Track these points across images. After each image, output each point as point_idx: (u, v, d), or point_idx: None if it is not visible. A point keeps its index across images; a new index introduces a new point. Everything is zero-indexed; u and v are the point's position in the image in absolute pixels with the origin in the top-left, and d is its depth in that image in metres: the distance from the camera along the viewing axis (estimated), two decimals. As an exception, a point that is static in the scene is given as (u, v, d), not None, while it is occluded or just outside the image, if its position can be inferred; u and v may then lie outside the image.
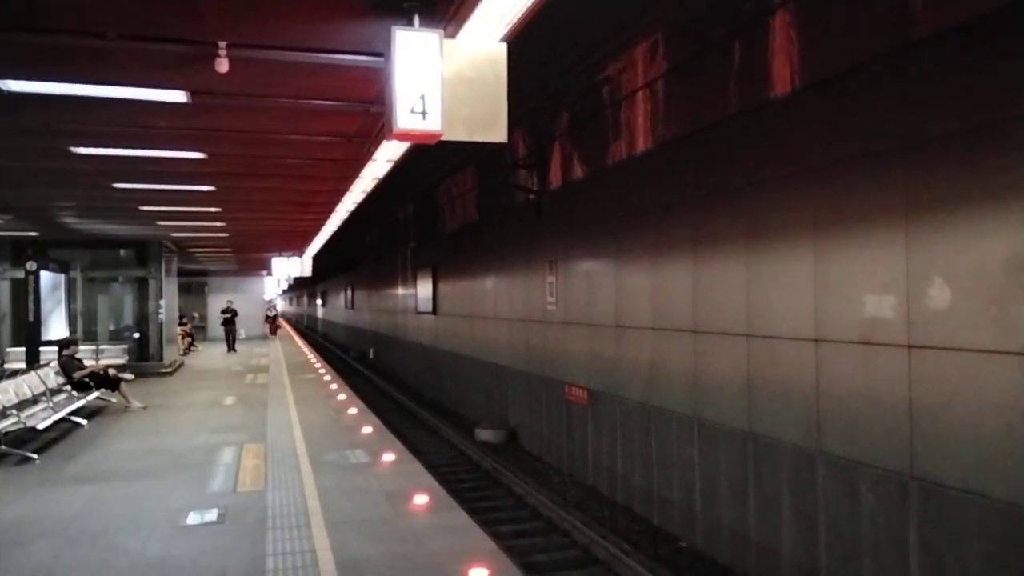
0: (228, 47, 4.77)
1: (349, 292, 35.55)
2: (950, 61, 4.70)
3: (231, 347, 26.02)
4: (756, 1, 6.50)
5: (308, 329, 56.39)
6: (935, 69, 4.80)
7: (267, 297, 41.73)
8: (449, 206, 17.45)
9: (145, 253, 19.23)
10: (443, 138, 4.11)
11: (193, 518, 6.08)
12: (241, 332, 27.56)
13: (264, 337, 34.01)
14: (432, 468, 9.23)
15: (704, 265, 7.38)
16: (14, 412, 9.08)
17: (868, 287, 5.36)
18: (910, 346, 5.01)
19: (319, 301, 52.27)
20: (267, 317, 37.43)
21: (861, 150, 5.41)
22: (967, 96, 4.59)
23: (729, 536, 7.01)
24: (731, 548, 6.99)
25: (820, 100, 5.83)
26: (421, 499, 6.40)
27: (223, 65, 4.84)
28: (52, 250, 17.88)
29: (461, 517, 6.03)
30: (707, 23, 7.21)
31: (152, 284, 19.19)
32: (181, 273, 25.00)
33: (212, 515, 6.14)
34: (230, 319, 26.80)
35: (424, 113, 3.94)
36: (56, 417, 9.77)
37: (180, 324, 24.19)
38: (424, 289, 19.34)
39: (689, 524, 7.66)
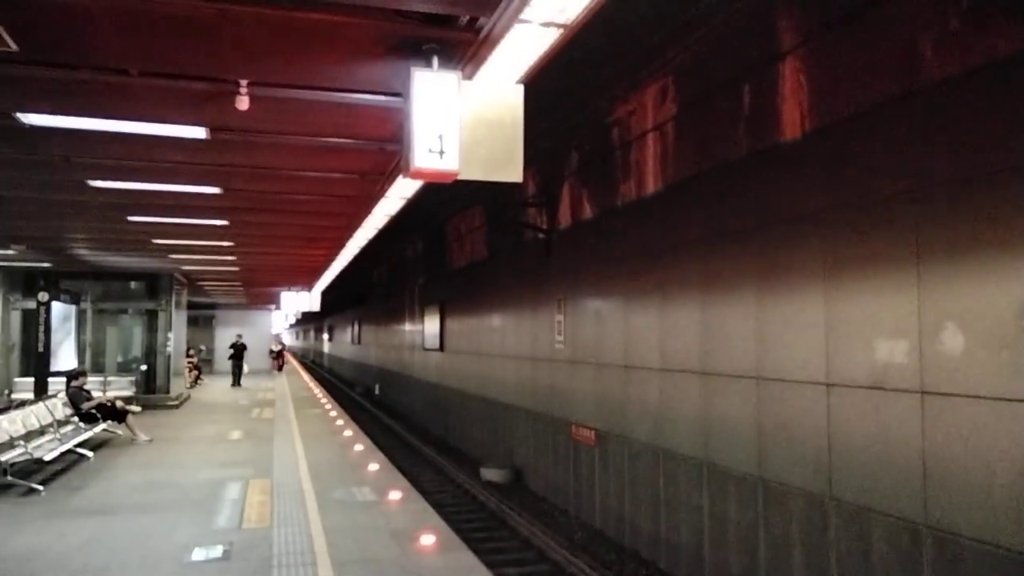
0: (249, 85, 4.87)
1: (356, 327, 35.52)
2: (960, 105, 4.74)
3: (236, 381, 25.89)
4: (764, 47, 6.59)
5: (314, 364, 56.33)
6: (945, 113, 4.85)
7: (274, 331, 41.14)
8: (458, 243, 17.54)
9: (156, 286, 19.35)
10: (459, 177, 4.16)
11: (198, 554, 6.02)
12: (245, 367, 27.23)
13: (269, 372, 33.55)
14: (437, 507, 9.15)
15: (713, 307, 7.38)
16: (21, 443, 9.07)
17: (880, 331, 5.34)
18: (923, 392, 4.98)
19: (326, 336, 52.28)
20: (271, 352, 36.09)
21: (872, 194, 5.44)
22: (976, 143, 4.62)
23: (739, 582, 6.90)
24: (741, 595, 6.87)
25: (829, 144, 5.88)
26: (428, 539, 6.33)
27: (244, 103, 4.93)
28: (64, 281, 18.02)
29: (469, 558, 5.96)
30: (716, 68, 7.30)
31: (162, 316, 19.28)
32: (190, 306, 25.11)
33: (217, 552, 6.09)
34: (238, 353, 26.64)
35: (441, 152, 3.99)
36: (63, 448, 9.76)
37: (187, 357, 24.20)
38: (431, 325, 19.34)
39: (697, 569, 7.55)
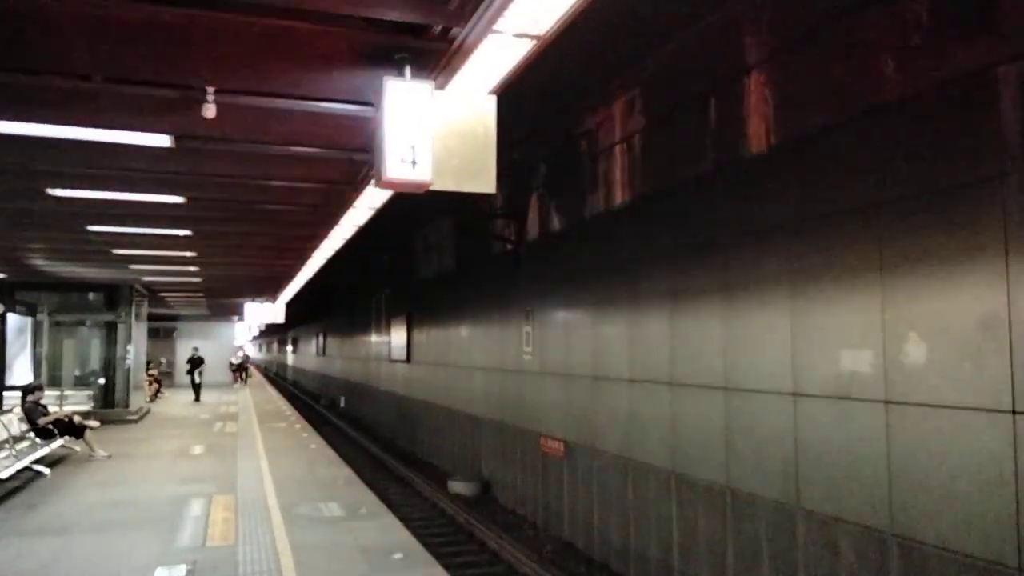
0: (216, 93, 4.79)
1: (321, 339, 35.12)
2: (919, 122, 4.84)
3: (197, 396, 24.98)
4: (731, 62, 6.68)
5: (277, 376, 55.59)
6: (905, 130, 4.95)
7: (237, 343, 40.28)
8: (425, 254, 17.47)
9: (115, 297, 18.92)
10: (432, 188, 4.13)
11: (161, 574, 5.87)
12: (197, 377, 25.44)
13: (230, 386, 32.35)
14: (404, 521, 9.05)
15: (681, 318, 7.42)
16: (-26, 460, 8.80)
17: (844, 342, 5.41)
18: (887, 401, 5.05)
19: (290, 348, 51.65)
20: (232, 365, 34.53)
21: (836, 208, 5.52)
22: (938, 157, 4.72)
23: (708, 593, 6.91)
24: (710, 605, 6.88)
25: (794, 158, 5.96)
26: (397, 555, 6.25)
27: (210, 111, 4.85)
28: (19, 292, 17.56)
29: (438, 573, 5.89)
30: (683, 81, 7.38)
31: (121, 329, 18.85)
32: (150, 317, 24.58)
33: (181, 571, 5.94)
34: (195, 367, 25.44)
35: (414, 163, 3.96)
36: (19, 466, 9.49)
37: (147, 370, 23.67)
38: (398, 337, 19.22)
39: (667, 580, 7.55)
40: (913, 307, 4.86)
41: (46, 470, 10.46)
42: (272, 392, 29.79)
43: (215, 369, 33.38)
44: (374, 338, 22.77)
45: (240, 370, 34.82)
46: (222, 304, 27.53)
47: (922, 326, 4.79)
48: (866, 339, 5.20)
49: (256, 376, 44.88)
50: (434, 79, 4.29)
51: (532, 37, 3.89)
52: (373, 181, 4.92)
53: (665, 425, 7.63)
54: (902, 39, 4.93)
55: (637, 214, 8.29)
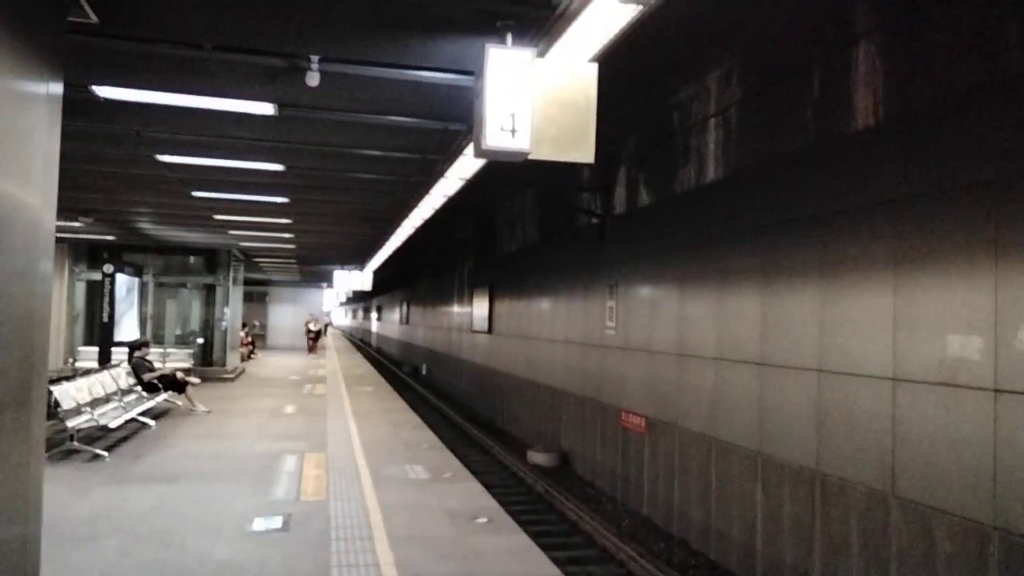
0: (320, 61, 4.89)
1: (404, 308, 35.75)
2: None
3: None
4: (837, 30, 6.40)
5: (362, 342, 57.08)
6: (1035, 104, 4.65)
7: (324, 308, 40.65)
8: (509, 227, 17.52)
9: (214, 261, 19.77)
10: (530, 157, 4.12)
11: (259, 524, 6.16)
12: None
13: (306, 354, 29.93)
14: (485, 488, 9.19)
15: (773, 296, 7.23)
16: (88, 409, 9.36)
17: (952, 326, 5.17)
18: (996, 390, 4.81)
19: (374, 315, 52.86)
20: (308, 331, 31.01)
21: (946, 183, 5.25)
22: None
23: (793, 576, 6.80)
24: (795, 589, 6.77)
25: (904, 132, 5.68)
26: (481, 519, 6.38)
27: (314, 79, 4.97)
28: (126, 254, 18.53)
29: (522, 540, 5.99)
30: (783, 52, 7.12)
31: (219, 291, 19.71)
32: (245, 282, 25.55)
33: (277, 522, 6.22)
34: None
35: (513, 131, 3.96)
36: (127, 417, 10.05)
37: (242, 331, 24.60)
38: (480, 308, 19.41)
39: (749, 562, 7.45)
40: (1031, 291, 4.60)
41: (151, 422, 11.08)
42: (357, 357, 30.59)
43: (297, 334, 34.17)
44: (456, 309, 23.07)
45: (315, 339, 31.32)
46: (313, 271, 28.34)
47: (1040, 312, 4.53)
48: (976, 324, 4.96)
49: (342, 342, 46.11)
50: (536, 46, 4.26)
51: (639, 2, 3.81)
52: (471, 150, 4.95)
53: (752, 406, 7.48)
54: None
55: (730, 189, 8.09)
